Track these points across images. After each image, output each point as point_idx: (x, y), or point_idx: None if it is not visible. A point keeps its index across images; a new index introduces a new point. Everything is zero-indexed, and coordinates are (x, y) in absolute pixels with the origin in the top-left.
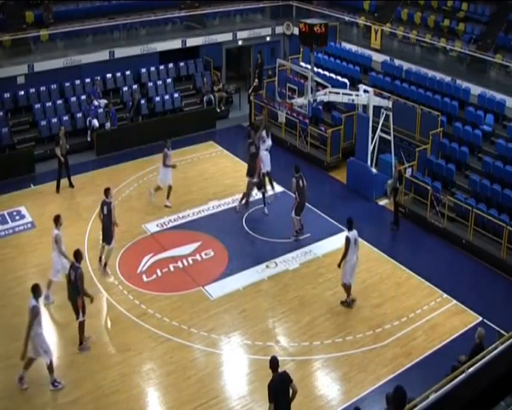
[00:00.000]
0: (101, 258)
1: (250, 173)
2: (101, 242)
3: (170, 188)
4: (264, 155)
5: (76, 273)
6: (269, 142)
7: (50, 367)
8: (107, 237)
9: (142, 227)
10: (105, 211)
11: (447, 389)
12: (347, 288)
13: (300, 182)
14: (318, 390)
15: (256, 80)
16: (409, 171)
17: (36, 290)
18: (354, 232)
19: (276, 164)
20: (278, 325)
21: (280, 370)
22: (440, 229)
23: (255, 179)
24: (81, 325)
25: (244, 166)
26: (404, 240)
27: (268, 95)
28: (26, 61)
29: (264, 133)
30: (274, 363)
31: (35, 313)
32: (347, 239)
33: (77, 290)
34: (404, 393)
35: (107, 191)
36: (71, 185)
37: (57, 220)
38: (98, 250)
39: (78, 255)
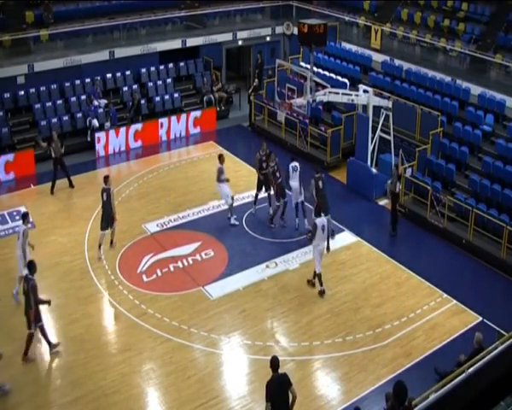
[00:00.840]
0: (100, 245)
1: (267, 188)
2: (100, 230)
3: (233, 200)
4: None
5: (28, 285)
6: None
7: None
8: (107, 221)
9: (142, 227)
10: (104, 197)
11: (447, 389)
12: (319, 277)
13: (320, 183)
14: (318, 390)
15: (256, 80)
16: (409, 171)
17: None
18: (323, 219)
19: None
20: (278, 325)
21: (280, 371)
22: (440, 229)
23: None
24: (30, 337)
25: (244, 165)
26: (404, 240)
27: (268, 95)
28: (26, 61)
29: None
30: (274, 363)
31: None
32: (314, 225)
33: (29, 303)
34: (405, 387)
35: (106, 178)
36: (71, 185)
37: (25, 217)
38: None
39: (31, 267)
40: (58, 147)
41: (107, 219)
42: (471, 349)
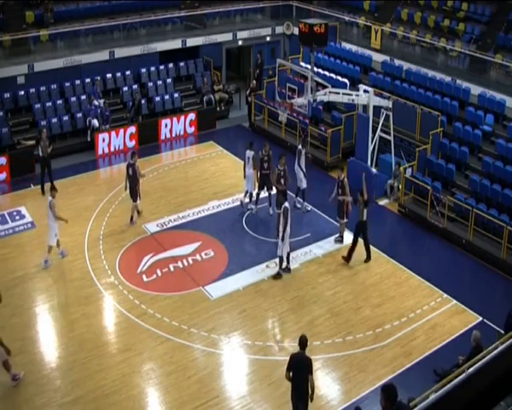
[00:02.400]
0: (132, 217)
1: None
2: (132, 202)
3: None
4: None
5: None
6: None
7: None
8: (133, 195)
9: (142, 227)
10: (130, 172)
11: (447, 389)
12: (287, 257)
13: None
14: (318, 390)
15: (254, 82)
16: (409, 171)
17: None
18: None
19: (275, 164)
20: (278, 325)
21: (307, 354)
22: (440, 229)
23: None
24: None
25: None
26: (404, 240)
27: (268, 95)
28: (26, 61)
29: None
30: (302, 342)
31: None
32: (286, 209)
33: None
34: (394, 388)
35: (133, 154)
36: (53, 188)
37: (52, 190)
38: (98, 250)
39: None
40: (46, 146)
41: (133, 192)
42: (470, 349)
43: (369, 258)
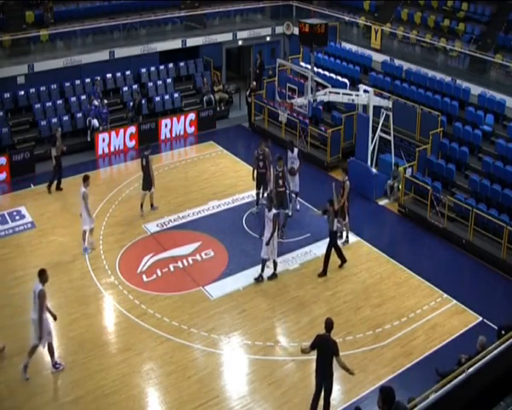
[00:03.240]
0: (142, 205)
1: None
2: (141, 190)
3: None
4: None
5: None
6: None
7: (51, 350)
8: (146, 184)
9: (142, 227)
10: (144, 162)
11: (447, 389)
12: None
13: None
14: None
15: (254, 82)
16: (409, 171)
17: (42, 275)
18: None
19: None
20: (278, 325)
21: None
22: (440, 229)
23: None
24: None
25: (244, 165)
26: (404, 240)
27: (268, 95)
28: (26, 61)
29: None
30: (328, 325)
31: (42, 297)
32: (275, 216)
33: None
34: (392, 390)
35: (147, 148)
36: (59, 188)
37: (85, 180)
38: (98, 250)
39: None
40: (60, 145)
41: (146, 182)
42: (473, 350)
43: (324, 273)
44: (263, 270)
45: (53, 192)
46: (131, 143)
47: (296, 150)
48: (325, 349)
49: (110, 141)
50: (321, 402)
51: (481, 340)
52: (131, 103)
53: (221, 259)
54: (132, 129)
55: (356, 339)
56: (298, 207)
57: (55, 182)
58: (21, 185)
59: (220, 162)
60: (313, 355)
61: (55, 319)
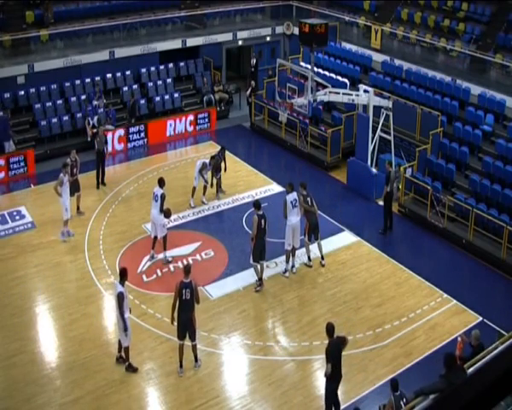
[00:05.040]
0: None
1: None
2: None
3: None
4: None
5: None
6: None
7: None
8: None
9: (142, 227)
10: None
11: (447, 390)
12: (287, 254)
13: (309, 199)
14: (318, 390)
15: (253, 82)
16: (409, 171)
17: (124, 276)
18: (293, 194)
19: (276, 164)
20: (278, 325)
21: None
22: (440, 229)
23: None
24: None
25: (244, 165)
26: (405, 240)
27: (268, 95)
28: (26, 61)
29: None
30: (330, 330)
31: (121, 299)
32: (284, 201)
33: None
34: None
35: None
36: (103, 183)
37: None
38: (98, 250)
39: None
40: (102, 142)
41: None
42: (470, 349)
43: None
44: (287, 261)
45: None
46: (131, 143)
47: (294, 194)
48: (338, 353)
49: (113, 140)
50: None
51: (475, 333)
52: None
53: (221, 259)
54: (133, 129)
55: (356, 339)
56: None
57: (104, 176)
58: (21, 185)
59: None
60: (313, 355)
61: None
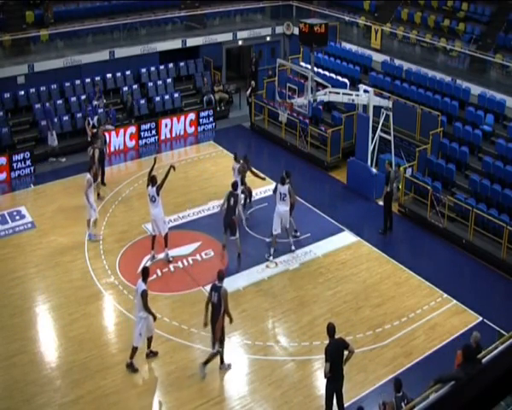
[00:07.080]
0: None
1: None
2: None
3: None
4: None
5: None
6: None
7: (135, 351)
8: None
9: (142, 227)
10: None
11: (447, 389)
12: (273, 239)
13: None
14: (318, 390)
15: (253, 82)
16: (409, 171)
17: (146, 275)
18: (284, 187)
19: (276, 164)
20: (278, 325)
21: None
22: (440, 229)
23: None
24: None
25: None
26: (405, 240)
27: (268, 95)
28: (26, 61)
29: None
30: (330, 330)
31: (145, 297)
32: (274, 190)
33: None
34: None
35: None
36: (103, 183)
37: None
38: (98, 250)
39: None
40: (102, 142)
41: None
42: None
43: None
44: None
45: (55, 193)
46: (131, 143)
47: (287, 186)
48: (338, 352)
49: (110, 141)
50: (321, 403)
51: (475, 335)
52: (129, 104)
53: (221, 259)
54: (132, 129)
55: (356, 339)
56: (293, 247)
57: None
58: (21, 185)
59: (220, 162)
60: (313, 355)
61: (154, 319)
